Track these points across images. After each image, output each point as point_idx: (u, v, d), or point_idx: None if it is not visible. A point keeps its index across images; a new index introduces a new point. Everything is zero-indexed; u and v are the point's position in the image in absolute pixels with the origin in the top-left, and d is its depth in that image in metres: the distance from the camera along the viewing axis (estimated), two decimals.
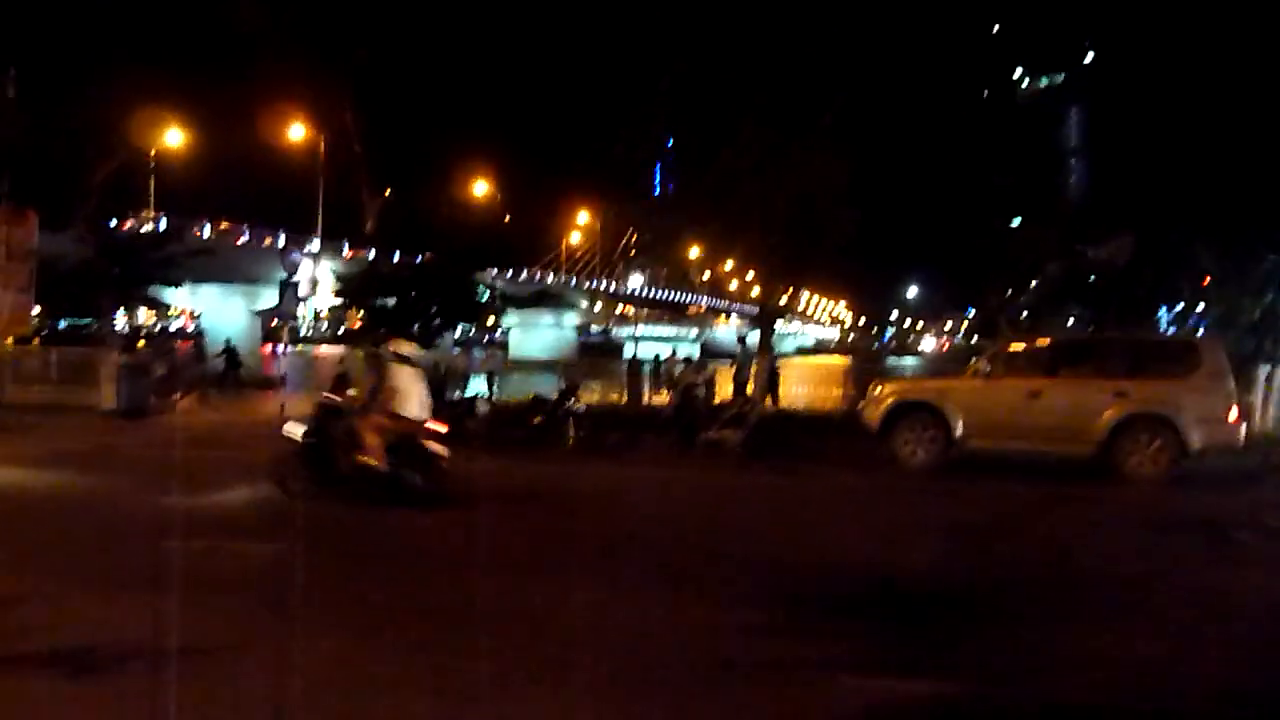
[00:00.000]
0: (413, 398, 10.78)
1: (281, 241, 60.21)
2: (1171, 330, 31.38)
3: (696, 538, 9.80)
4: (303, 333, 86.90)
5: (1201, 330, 28.30)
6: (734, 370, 20.41)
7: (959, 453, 14.90)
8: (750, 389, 21.23)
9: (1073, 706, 5.43)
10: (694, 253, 22.20)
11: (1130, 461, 13.92)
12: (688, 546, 9.31)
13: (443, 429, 11.03)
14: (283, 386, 24.61)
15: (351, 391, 18.96)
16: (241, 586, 7.37)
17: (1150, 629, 6.83)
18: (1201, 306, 29.00)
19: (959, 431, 14.83)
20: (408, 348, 11.34)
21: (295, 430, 11.25)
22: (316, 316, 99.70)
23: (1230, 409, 14.01)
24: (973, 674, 5.84)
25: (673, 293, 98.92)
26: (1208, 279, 27.41)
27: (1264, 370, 19.60)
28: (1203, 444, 13.83)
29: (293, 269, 23.15)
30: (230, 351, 28.05)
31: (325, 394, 12.10)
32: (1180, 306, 30.12)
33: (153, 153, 31.25)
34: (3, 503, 10.95)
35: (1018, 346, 16.74)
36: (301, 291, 49.51)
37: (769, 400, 21.67)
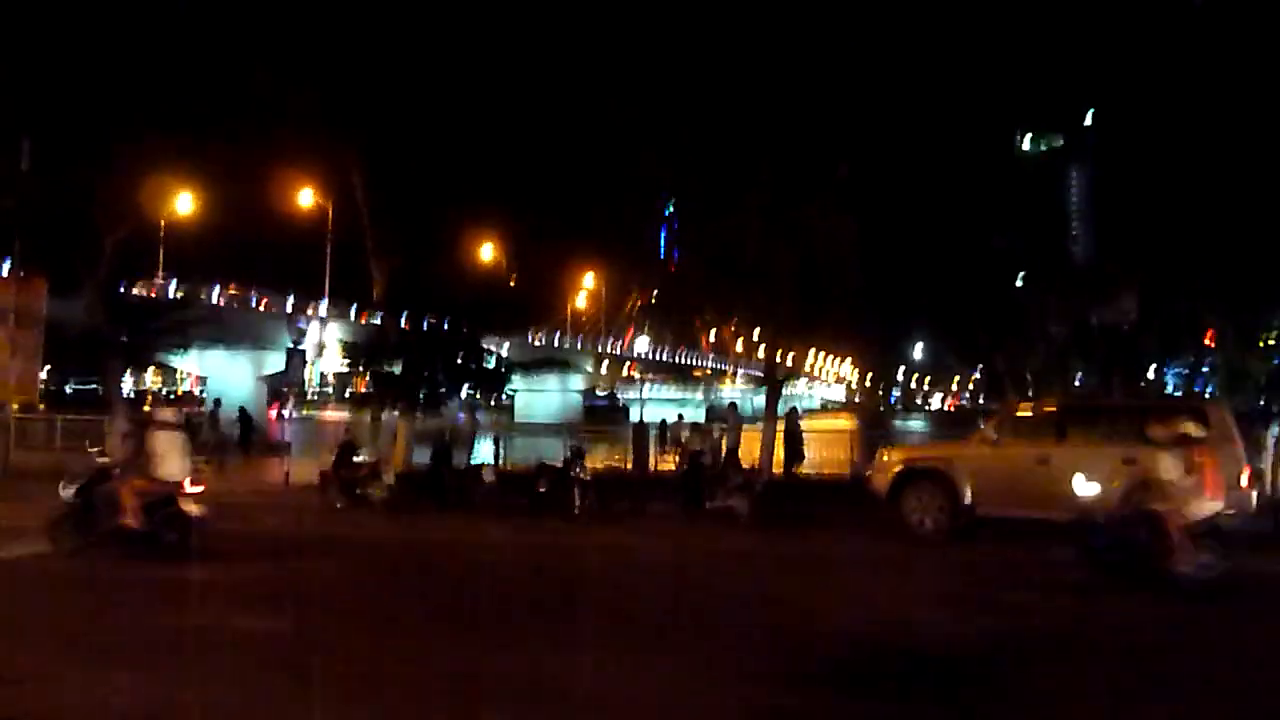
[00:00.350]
0: (172, 460, 11.64)
1: (290, 306, 60.63)
2: (1177, 390, 31.26)
3: (699, 606, 9.69)
4: (309, 396, 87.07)
5: (1209, 390, 28.18)
6: (723, 436, 20.28)
7: (968, 519, 14.76)
8: (755, 454, 21.10)
9: None
10: (699, 315, 22.17)
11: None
12: (689, 615, 9.19)
13: (199, 489, 11.86)
14: (288, 453, 24.67)
15: (361, 456, 19.12)
16: None
17: (1175, 707, 6.66)
18: (1206, 366, 28.91)
19: (967, 498, 14.71)
20: (168, 414, 12.45)
21: (67, 492, 11.84)
22: (323, 380, 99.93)
23: (1241, 473, 13.87)
24: None
25: (678, 355, 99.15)
26: (1211, 336, 27.39)
27: (1274, 432, 19.46)
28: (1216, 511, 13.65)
29: (300, 337, 23.24)
30: (245, 418, 28.12)
31: (98, 456, 12.69)
32: (1187, 368, 30.05)
33: (163, 221, 31.52)
34: None
35: (1025, 411, 16.67)
36: (309, 356, 49.82)
37: (783, 464, 21.51)
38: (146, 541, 11.34)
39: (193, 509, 11.62)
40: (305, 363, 26.73)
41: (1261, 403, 21.90)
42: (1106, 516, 11.33)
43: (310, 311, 56.92)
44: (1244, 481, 13.81)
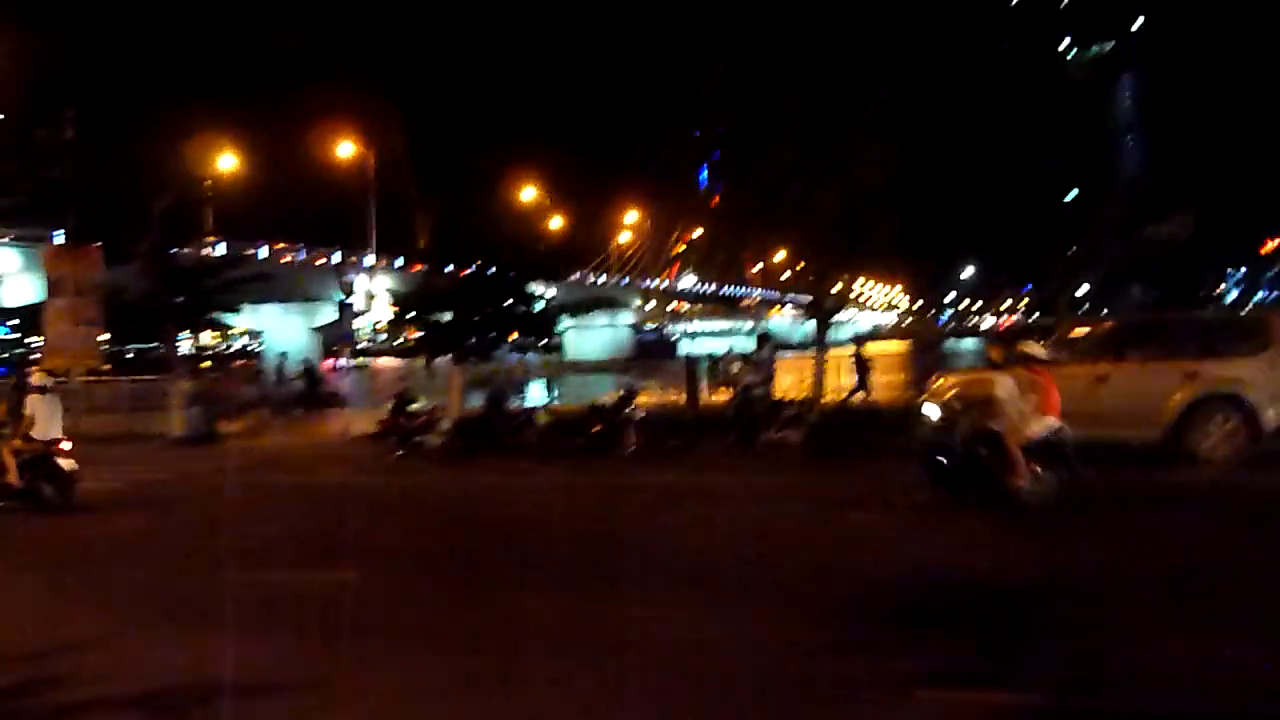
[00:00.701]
0: (46, 421, 12.68)
1: (337, 258, 61.20)
2: (1238, 293, 30.50)
3: (753, 548, 9.76)
4: (361, 345, 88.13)
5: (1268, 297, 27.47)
6: (755, 369, 20.17)
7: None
8: (808, 385, 21.04)
9: (1160, 714, 5.31)
10: (744, 250, 22.01)
11: (1203, 445, 13.56)
12: (745, 558, 9.28)
13: (68, 444, 12.85)
14: (345, 405, 25.10)
15: (416, 405, 19.39)
16: None
17: (1240, 631, 6.59)
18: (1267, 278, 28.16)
19: None
20: (39, 378, 13.29)
21: None
22: (375, 329, 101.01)
23: None
24: (1053, 684, 5.72)
25: (725, 287, 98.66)
26: (1269, 246, 26.68)
27: None
28: (1278, 423, 13.43)
29: (349, 290, 23.48)
30: (309, 371, 28.58)
31: None
32: (1242, 277, 29.31)
33: (209, 181, 31.83)
34: None
35: (1081, 330, 16.41)
36: (359, 306, 50.40)
37: (860, 393, 21.42)
38: (25, 496, 12.54)
39: (67, 464, 12.68)
40: (356, 315, 26.98)
41: None
42: (951, 437, 11.46)
43: (357, 263, 57.48)
44: None
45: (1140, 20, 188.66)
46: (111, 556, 10.28)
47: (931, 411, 15.46)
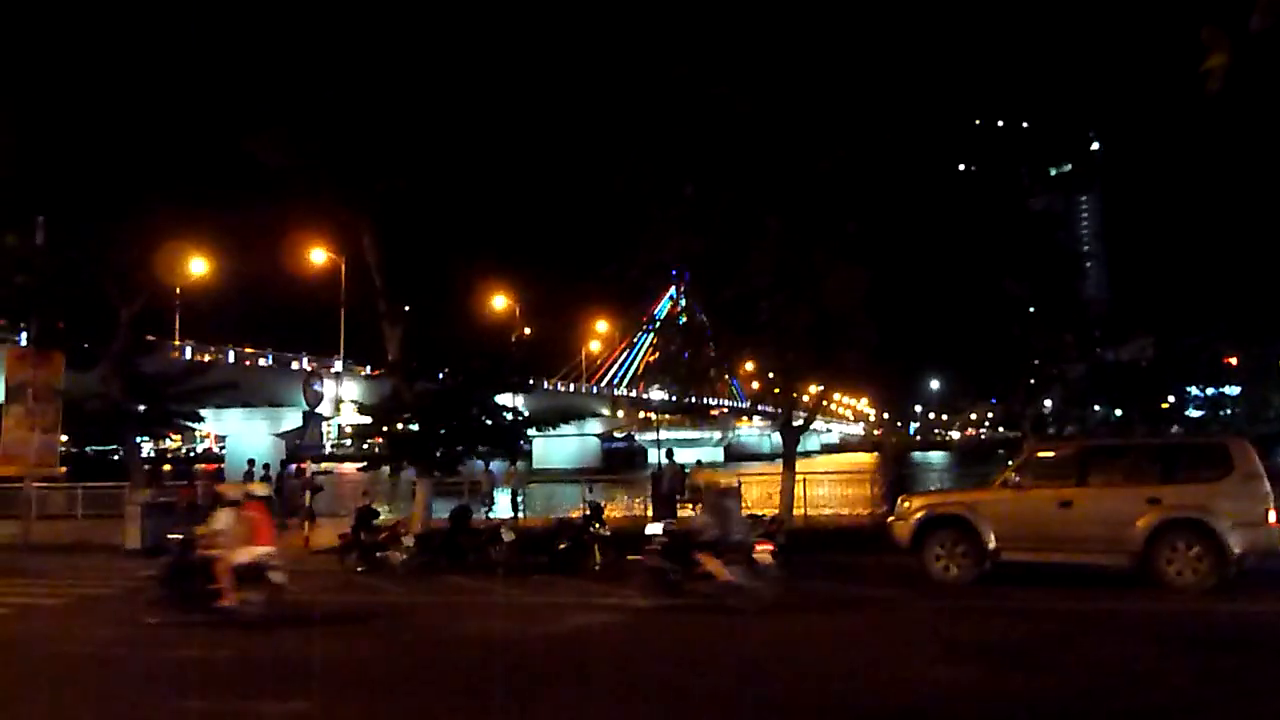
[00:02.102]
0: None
1: (305, 364, 61.00)
2: (1200, 417, 31.02)
3: (720, 671, 9.57)
4: (327, 450, 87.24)
5: (1229, 416, 27.94)
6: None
7: (993, 565, 14.62)
8: (777, 504, 20.97)
9: None
10: (712, 365, 22.11)
11: (1169, 570, 13.60)
12: (712, 682, 9.08)
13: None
14: (308, 516, 24.65)
15: (380, 519, 19.13)
16: None
17: None
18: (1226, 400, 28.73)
19: (991, 544, 14.59)
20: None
21: None
22: (340, 433, 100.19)
23: (1268, 511, 13.70)
24: None
25: (693, 397, 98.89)
26: (1231, 362, 27.26)
27: None
28: (1243, 549, 13.48)
29: (316, 400, 23.32)
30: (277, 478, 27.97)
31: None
32: (1204, 402, 29.89)
33: (178, 289, 31.81)
34: None
35: (1046, 453, 16.52)
36: (325, 411, 50.00)
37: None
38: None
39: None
40: (322, 423, 26.73)
41: None
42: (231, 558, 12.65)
43: (324, 371, 57.29)
44: (1271, 518, 13.65)
45: (1096, 145, 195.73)
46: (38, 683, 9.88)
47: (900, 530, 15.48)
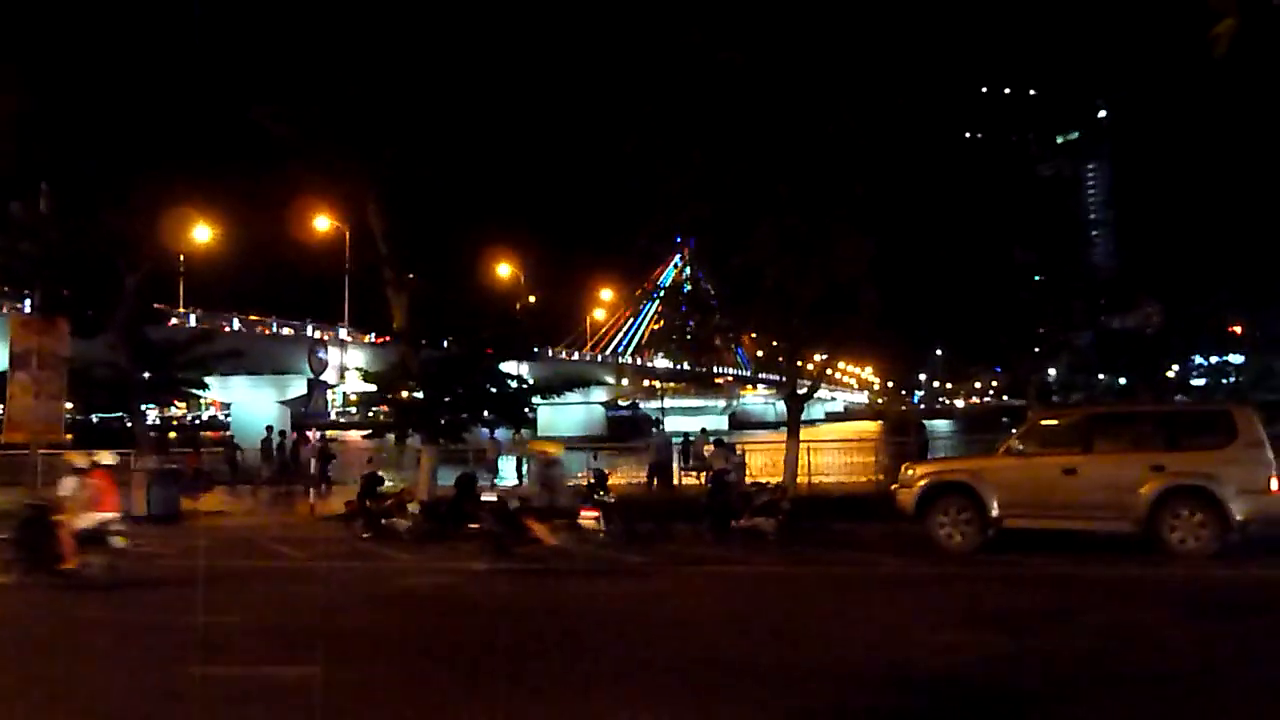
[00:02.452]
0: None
1: (310, 332, 61.04)
2: (1203, 384, 31.01)
3: (729, 639, 9.63)
4: (331, 416, 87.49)
5: (1234, 384, 27.93)
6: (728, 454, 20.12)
7: (997, 532, 14.68)
8: (782, 473, 21.02)
9: None
10: (718, 334, 22.10)
11: (1173, 537, 13.66)
12: (720, 651, 9.13)
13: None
14: (315, 484, 24.79)
15: (385, 486, 19.25)
16: None
17: None
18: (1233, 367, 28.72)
19: (995, 511, 14.64)
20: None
21: None
22: (345, 400, 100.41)
23: (1271, 479, 13.72)
24: None
25: (698, 365, 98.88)
26: (1237, 331, 27.21)
27: None
28: (1246, 515, 13.52)
29: (321, 368, 23.35)
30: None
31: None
32: (1209, 369, 29.87)
33: (182, 256, 31.76)
34: None
35: (1050, 420, 16.54)
36: (330, 379, 50.10)
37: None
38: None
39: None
40: (327, 391, 26.79)
41: None
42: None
43: (330, 338, 57.35)
44: (1273, 485, 13.67)
45: (1104, 112, 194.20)
46: (51, 645, 9.99)
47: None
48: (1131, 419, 16.09)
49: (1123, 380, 35.29)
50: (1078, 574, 12.89)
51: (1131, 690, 7.64)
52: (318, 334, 60.91)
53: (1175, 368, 30.11)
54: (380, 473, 20.41)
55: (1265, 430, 14.25)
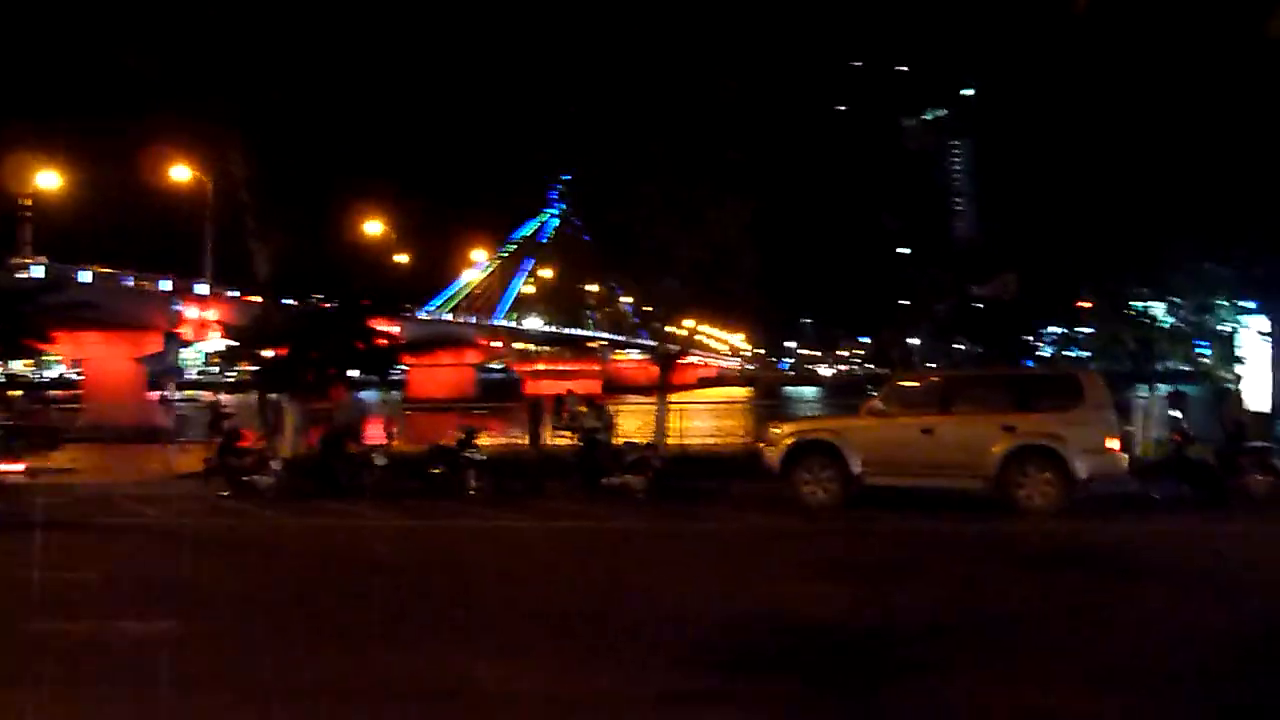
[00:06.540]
0: None
1: (167, 286, 58.44)
2: (1052, 354, 32.56)
3: (596, 591, 9.73)
4: (192, 376, 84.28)
5: (1080, 357, 29.42)
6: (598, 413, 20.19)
7: (859, 489, 15.14)
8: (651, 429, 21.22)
9: None
10: (591, 294, 22.14)
11: (1021, 494, 14.34)
12: (586, 601, 9.22)
13: None
14: (171, 437, 23.89)
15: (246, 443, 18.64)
16: None
17: (1070, 674, 6.94)
18: (1081, 336, 30.28)
19: (857, 469, 15.09)
20: None
21: None
22: (207, 360, 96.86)
23: (1112, 438, 14.54)
24: None
25: (572, 329, 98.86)
26: (1087, 305, 28.59)
27: (1141, 396, 20.54)
28: (1088, 473, 14.30)
29: (177, 322, 22.43)
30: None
31: None
32: (1060, 339, 31.41)
33: (28, 199, 29.99)
34: None
35: (911, 383, 17.12)
36: (190, 335, 48.15)
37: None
38: None
39: None
40: (182, 347, 25.79)
41: (1132, 369, 22.91)
42: None
43: (189, 292, 55.07)
44: (1114, 445, 14.50)
45: (971, 90, 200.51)
46: None
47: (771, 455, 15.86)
48: (985, 382, 16.81)
49: (980, 350, 36.76)
50: (934, 529, 13.44)
51: (977, 632, 8.08)
52: (176, 287, 58.34)
53: (1030, 337, 31.58)
54: (243, 430, 19.77)
55: (1109, 394, 15.11)
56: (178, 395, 32.47)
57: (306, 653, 7.56)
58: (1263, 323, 20.93)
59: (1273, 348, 20.90)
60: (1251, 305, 21.00)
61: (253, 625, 8.46)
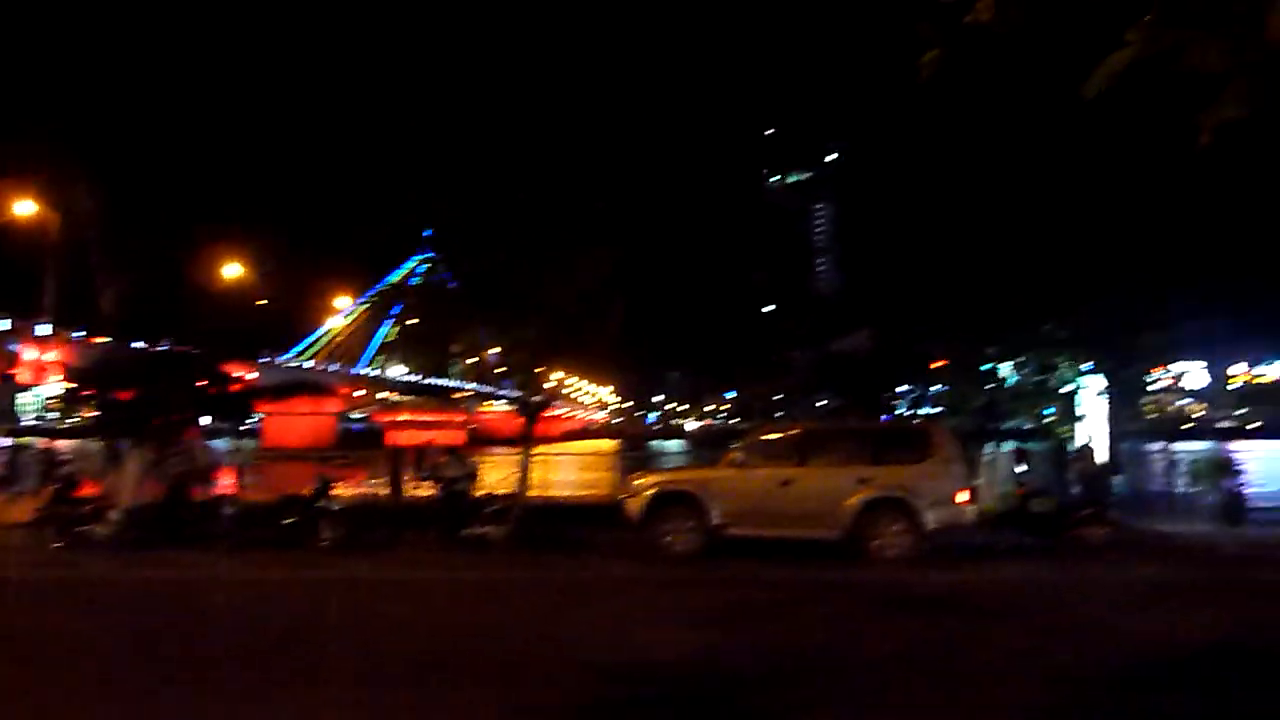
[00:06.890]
0: None
1: (5, 326, 55.33)
2: (909, 412, 33.64)
3: (444, 640, 9.52)
4: (29, 422, 79.79)
5: (933, 414, 30.47)
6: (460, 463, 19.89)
7: (719, 539, 15.24)
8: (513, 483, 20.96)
9: None
10: (456, 342, 21.84)
11: (874, 544, 14.69)
12: (435, 650, 9.00)
13: None
14: (1, 486, 22.45)
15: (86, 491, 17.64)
16: None
17: (921, 711, 7.15)
18: (934, 393, 31.42)
19: (717, 520, 15.22)
20: None
21: None
22: (45, 406, 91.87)
23: (960, 490, 15.06)
24: None
25: (437, 379, 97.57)
26: (940, 364, 29.66)
27: (988, 451, 21.41)
28: (937, 524, 14.77)
29: (13, 362, 21.24)
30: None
31: None
32: (915, 393, 32.53)
33: None
34: None
35: (770, 435, 17.43)
36: (27, 379, 45.59)
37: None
38: None
39: None
40: (18, 391, 24.37)
41: (980, 424, 23.85)
42: None
43: (26, 332, 52.23)
44: (962, 497, 15.03)
45: (834, 155, 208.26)
46: None
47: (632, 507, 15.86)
48: (842, 435, 17.24)
49: (840, 403, 37.77)
50: (790, 577, 13.62)
51: (833, 674, 8.21)
52: (15, 328, 55.28)
53: (886, 393, 32.64)
54: (80, 477, 18.73)
55: (958, 449, 15.69)
56: (6, 441, 30.57)
57: (130, 704, 7.12)
58: (1100, 381, 22.10)
59: (1109, 405, 22.07)
60: (1088, 365, 22.16)
61: (80, 674, 7.95)
